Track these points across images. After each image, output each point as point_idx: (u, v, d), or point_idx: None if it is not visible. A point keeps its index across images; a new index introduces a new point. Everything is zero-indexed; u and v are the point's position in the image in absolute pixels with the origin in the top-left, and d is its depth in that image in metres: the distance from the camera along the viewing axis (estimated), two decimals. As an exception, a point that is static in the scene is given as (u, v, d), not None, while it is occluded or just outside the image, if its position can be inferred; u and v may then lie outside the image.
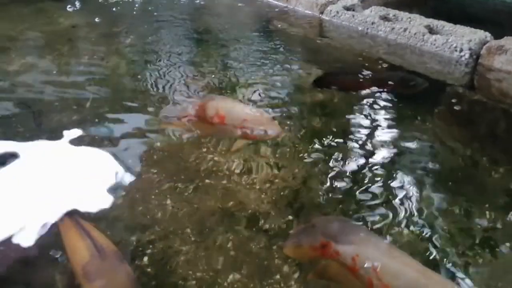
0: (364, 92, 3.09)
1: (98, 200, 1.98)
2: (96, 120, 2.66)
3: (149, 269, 1.64)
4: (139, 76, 3.30)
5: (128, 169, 2.22)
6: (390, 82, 3.12)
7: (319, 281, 1.60)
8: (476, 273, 1.61)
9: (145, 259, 1.68)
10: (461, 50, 2.89)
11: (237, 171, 2.22)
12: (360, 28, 3.94)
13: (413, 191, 2.07)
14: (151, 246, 1.74)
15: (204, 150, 2.38)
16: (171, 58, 3.68)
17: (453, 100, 2.87)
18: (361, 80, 3.25)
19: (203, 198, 2.02)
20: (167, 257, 1.69)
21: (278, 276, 1.59)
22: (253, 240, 1.77)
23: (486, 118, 2.65)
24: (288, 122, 2.71)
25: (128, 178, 2.15)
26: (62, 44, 3.92)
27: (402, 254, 1.58)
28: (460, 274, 1.60)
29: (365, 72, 3.33)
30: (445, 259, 1.67)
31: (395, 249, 1.66)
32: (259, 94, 3.09)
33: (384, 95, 3.07)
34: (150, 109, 2.83)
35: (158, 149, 2.41)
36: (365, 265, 1.45)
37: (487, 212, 1.93)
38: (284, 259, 1.68)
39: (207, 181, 2.14)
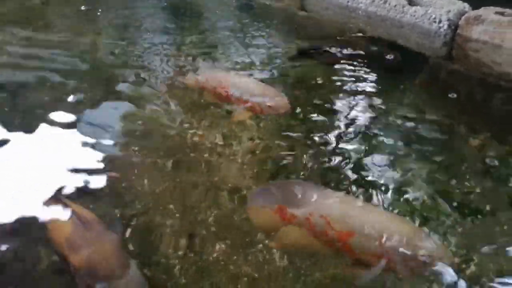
0: (345, 65, 3.10)
1: (79, 178, 1.96)
2: (74, 97, 2.60)
3: (132, 247, 1.63)
4: (116, 53, 3.22)
5: (108, 146, 2.19)
6: (369, 56, 3.14)
7: (293, 250, 1.61)
8: (456, 236, 1.65)
9: (128, 236, 1.67)
10: (440, 21, 2.89)
11: (219, 145, 2.22)
12: (340, 1, 3.89)
13: (394, 160, 2.11)
14: (133, 224, 1.73)
15: (186, 125, 2.36)
16: (149, 34, 3.60)
17: (433, 71, 2.90)
18: (341, 54, 3.25)
19: (185, 172, 2.02)
20: (149, 234, 1.69)
21: (260, 246, 1.61)
22: (235, 213, 1.78)
23: (464, 88, 2.69)
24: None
25: (109, 156, 2.12)
26: (35, 20, 3.79)
27: (352, 200, 1.60)
28: (441, 237, 1.64)
29: (346, 46, 3.32)
30: (426, 224, 1.71)
31: (346, 197, 1.70)
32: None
33: (364, 68, 3.08)
34: (129, 85, 2.78)
35: (139, 126, 2.38)
36: (319, 220, 1.46)
37: (466, 178, 1.97)
38: (271, 235, 1.68)
39: (189, 155, 2.13)
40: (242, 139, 2.28)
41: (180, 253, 1.60)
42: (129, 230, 1.69)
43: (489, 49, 2.54)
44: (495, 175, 1.96)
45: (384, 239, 1.37)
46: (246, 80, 2.59)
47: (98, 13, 4.07)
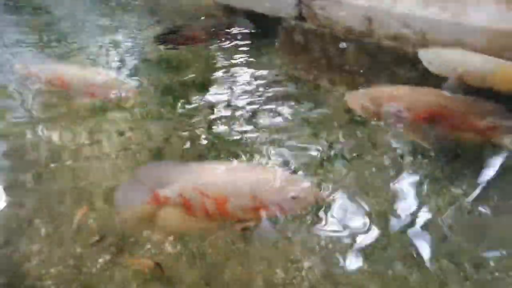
0: (206, 41, 3.08)
1: None
2: None
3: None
4: None
5: None
6: (228, 28, 3.17)
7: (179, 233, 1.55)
8: (329, 182, 1.75)
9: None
10: (287, -17, 2.99)
11: (86, 144, 2.02)
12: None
13: (266, 123, 2.16)
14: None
15: (39, 130, 2.08)
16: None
17: (289, 33, 3.01)
18: (201, 30, 3.22)
19: (49, 184, 1.79)
20: (16, 262, 1.47)
21: (149, 246, 1.51)
22: (115, 215, 1.64)
23: (319, 45, 2.84)
24: (135, 83, 2.57)
25: None
26: None
27: (220, 165, 1.62)
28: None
29: (204, 21, 3.31)
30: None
31: (214, 164, 1.71)
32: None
33: (226, 41, 3.09)
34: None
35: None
36: (193, 194, 1.43)
37: (333, 128, 2.11)
38: (152, 227, 1.59)
39: (50, 164, 1.89)
40: (111, 134, 2.10)
41: (56, 272, 1.42)
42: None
43: (332, 5, 2.71)
44: (356, 123, 2.13)
45: (257, 191, 1.38)
46: (82, 72, 2.44)
47: None
